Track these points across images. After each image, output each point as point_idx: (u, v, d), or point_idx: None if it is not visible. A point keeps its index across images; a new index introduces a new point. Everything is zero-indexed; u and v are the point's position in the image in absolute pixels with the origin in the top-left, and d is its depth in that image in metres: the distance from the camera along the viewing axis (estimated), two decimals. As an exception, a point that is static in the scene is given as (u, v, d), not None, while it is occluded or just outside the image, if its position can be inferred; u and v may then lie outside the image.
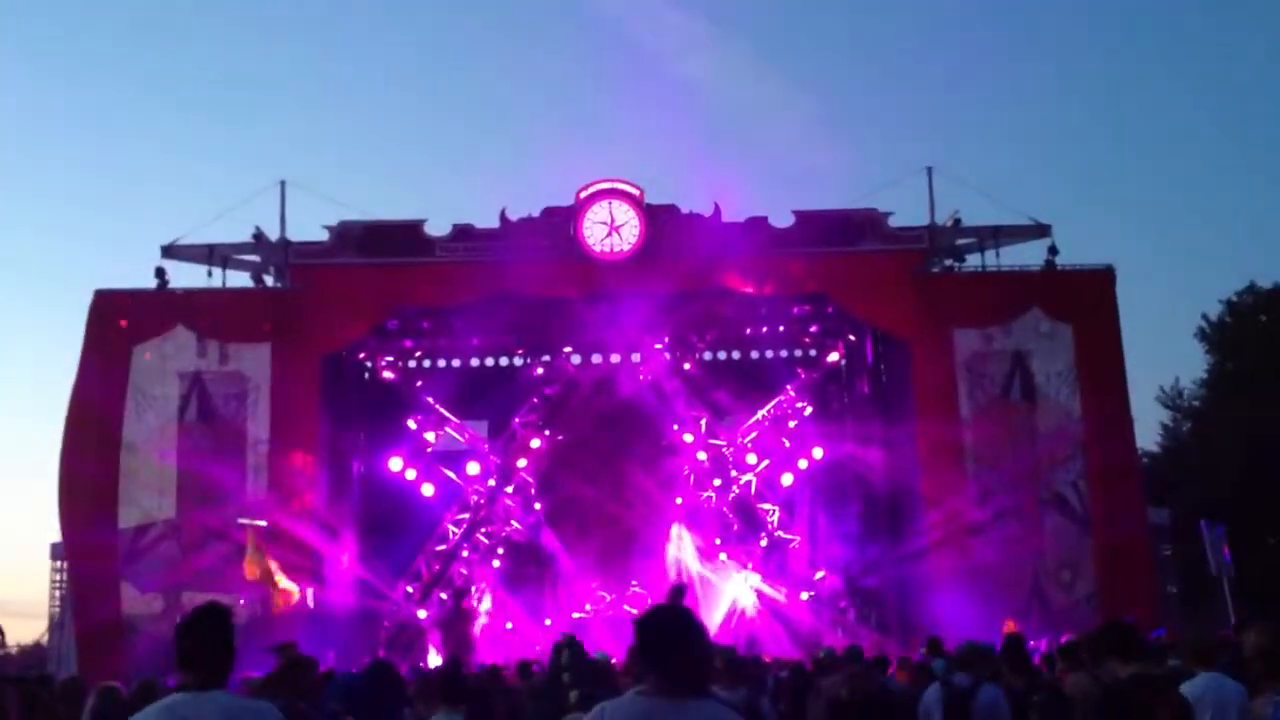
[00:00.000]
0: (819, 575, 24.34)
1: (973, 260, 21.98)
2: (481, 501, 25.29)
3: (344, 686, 8.87)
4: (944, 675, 9.03)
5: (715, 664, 8.43)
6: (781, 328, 24.71)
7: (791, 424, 25.33)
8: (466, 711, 6.97)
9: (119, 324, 20.70)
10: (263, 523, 19.14)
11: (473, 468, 24.93)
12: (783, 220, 21.70)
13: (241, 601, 18.86)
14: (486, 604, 24.54)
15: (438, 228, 21.67)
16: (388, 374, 24.99)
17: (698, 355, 25.38)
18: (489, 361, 25.72)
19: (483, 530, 25.25)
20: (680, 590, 20.46)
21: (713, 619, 23.89)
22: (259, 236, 21.44)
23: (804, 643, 21.62)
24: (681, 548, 24.76)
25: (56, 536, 21.80)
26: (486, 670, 11.20)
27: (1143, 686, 4.73)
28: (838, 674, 10.22)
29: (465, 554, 25.04)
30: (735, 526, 25.30)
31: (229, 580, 19.02)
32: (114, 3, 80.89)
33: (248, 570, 17.77)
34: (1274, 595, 23.99)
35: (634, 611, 23.23)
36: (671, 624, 3.83)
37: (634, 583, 23.93)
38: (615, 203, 21.48)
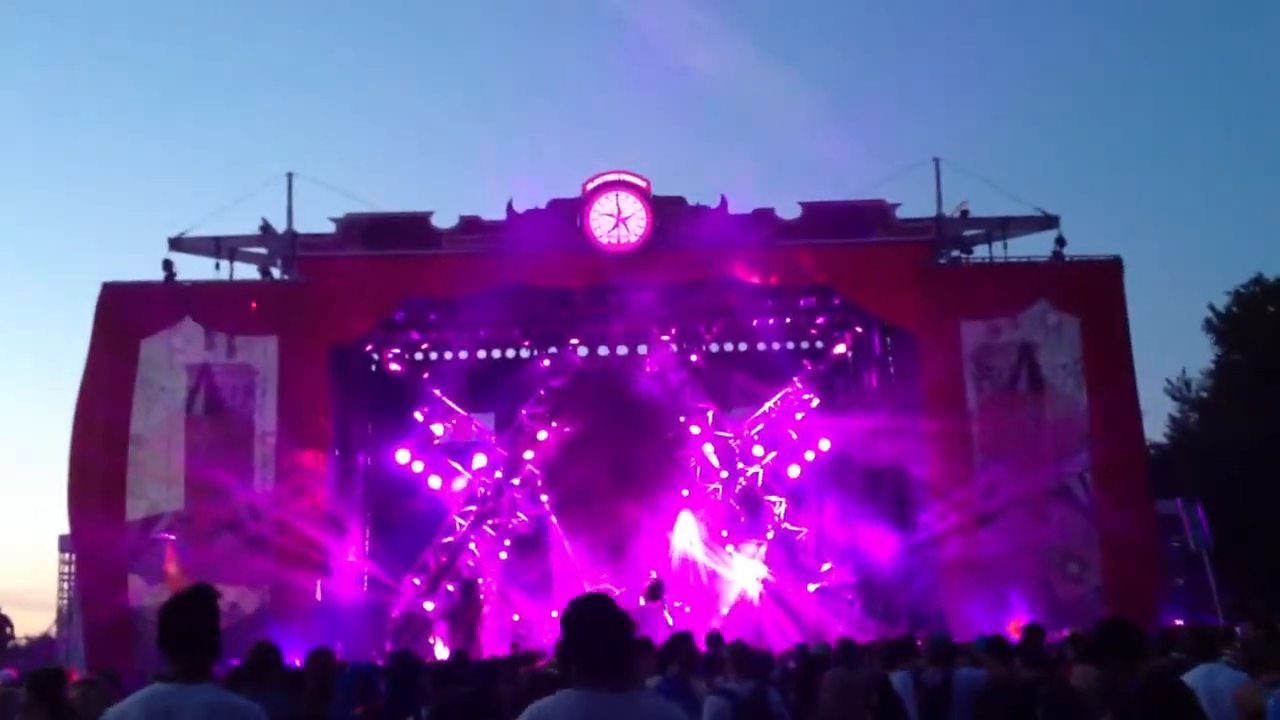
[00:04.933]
0: (826, 567, 24.34)
1: (980, 252, 21.98)
2: (488, 493, 25.31)
3: (361, 676, 8.86)
4: (915, 671, 9.00)
5: (724, 655, 8.45)
6: (788, 319, 24.70)
7: (798, 416, 25.31)
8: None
9: (126, 317, 20.72)
10: (171, 536, 19.48)
11: (480, 460, 24.94)
12: (789, 212, 21.69)
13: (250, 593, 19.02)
14: (493, 595, 24.58)
15: (444, 219, 21.69)
16: (395, 366, 25.01)
17: (704, 347, 25.37)
18: (496, 353, 25.75)
19: (490, 522, 25.26)
20: (657, 587, 20.60)
21: (719, 611, 23.98)
22: (266, 229, 21.48)
23: (811, 635, 21.64)
24: (688, 540, 24.78)
25: (65, 529, 21.89)
26: (505, 660, 11.17)
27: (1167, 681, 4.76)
28: (840, 667, 10.22)
29: (472, 546, 25.06)
30: (742, 518, 25.29)
31: (237, 572, 19.09)
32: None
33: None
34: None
35: (643, 602, 23.27)
36: (598, 614, 3.75)
37: (652, 572, 23.87)
38: (622, 194, 21.46)
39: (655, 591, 18.61)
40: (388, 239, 21.57)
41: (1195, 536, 17.08)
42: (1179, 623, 16.31)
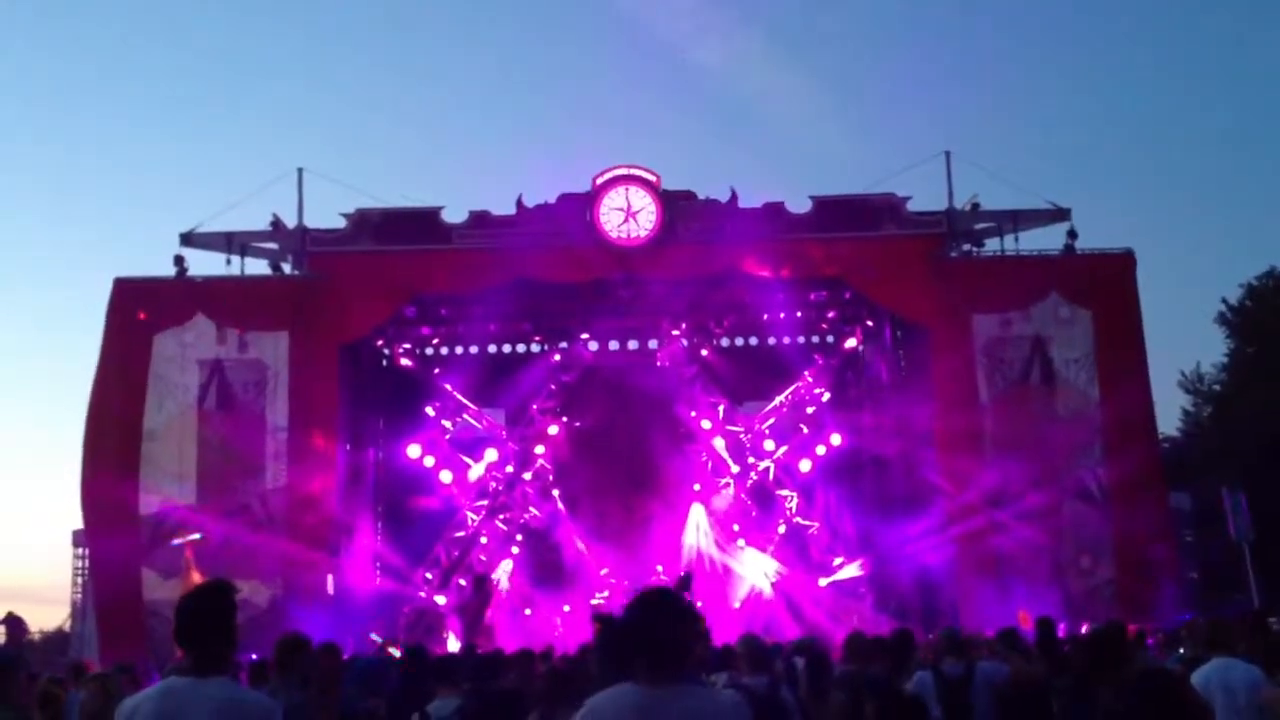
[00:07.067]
0: (837, 561, 24.30)
1: (991, 245, 21.94)
2: (500, 488, 25.33)
3: (371, 670, 8.83)
4: (933, 663, 8.96)
5: (736, 650, 8.42)
6: (799, 313, 24.60)
7: (809, 410, 25.27)
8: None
9: (139, 313, 20.78)
10: (197, 535, 19.53)
11: (491, 454, 24.96)
12: (800, 205, 21.67)
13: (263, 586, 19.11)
14: (505, 590, 24.59)
15: (455, 214, 21.73)
16: (405, 361, 25.03)
17: (715, 341, 25.33)
18: (506, 348, 25.71)
19: (501, 517, 25.28)
20: (687, 579, 20.46)
21: (730, 605, 23.95)
22: (277, 224, 21.53)
23: (821, 630, 21.60)
24: (699, 534, 24.76)
25: (78, 524, 21.97)
26: (515, 655, 11.10)
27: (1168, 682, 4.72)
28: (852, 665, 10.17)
29: (484, 540, 25.08)
30: (753, 513, 25.26)
31: (249, 566, 19.13)
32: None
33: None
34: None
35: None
36: (655, 608, 3.74)
37: (659, 567, 23.86)
38: (632, 189, 21.45)
39: (685, 583, 18.62)
40: (398, 234, 21.60)
41: (1237, 526, 16.89)
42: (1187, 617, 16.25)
